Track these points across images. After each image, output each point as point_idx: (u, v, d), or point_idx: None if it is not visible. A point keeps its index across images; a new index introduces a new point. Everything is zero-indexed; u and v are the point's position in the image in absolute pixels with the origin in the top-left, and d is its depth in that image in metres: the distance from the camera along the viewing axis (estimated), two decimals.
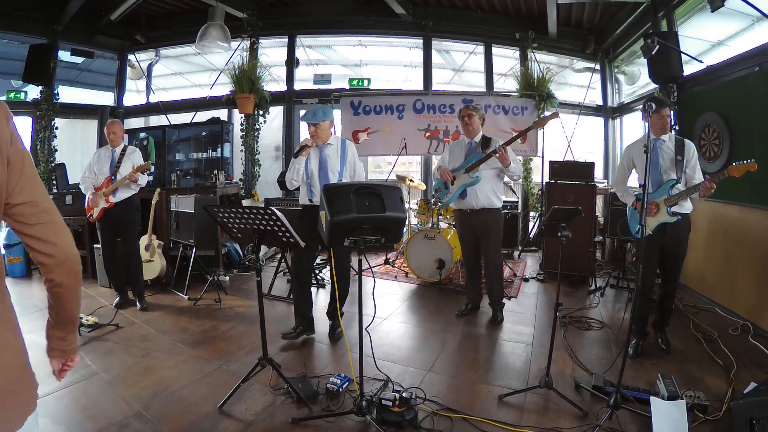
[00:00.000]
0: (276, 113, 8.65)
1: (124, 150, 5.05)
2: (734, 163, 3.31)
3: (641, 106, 7.37)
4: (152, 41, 8.91)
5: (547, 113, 7.95)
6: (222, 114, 8.46)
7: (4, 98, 7.43)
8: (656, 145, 3.73)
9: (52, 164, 7.51)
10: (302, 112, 4.18)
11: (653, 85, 6.63)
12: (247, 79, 7.81)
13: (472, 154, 4.61)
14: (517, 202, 8.28)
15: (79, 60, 8.21)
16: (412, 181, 7.10)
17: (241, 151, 8.26)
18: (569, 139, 8.23)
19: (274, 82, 8.47)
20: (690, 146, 3.71)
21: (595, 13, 8.00)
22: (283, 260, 6.13)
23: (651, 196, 3.69)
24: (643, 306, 3.87)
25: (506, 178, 4.75)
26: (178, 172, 7.86)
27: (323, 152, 4.12)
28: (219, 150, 7.81)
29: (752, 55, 4.83)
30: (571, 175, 6.31)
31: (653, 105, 3.37)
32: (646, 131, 3.42)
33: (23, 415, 1.12)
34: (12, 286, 5.69)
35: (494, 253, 4.72)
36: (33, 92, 7.52)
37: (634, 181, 4.18)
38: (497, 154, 4.30)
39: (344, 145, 4.22)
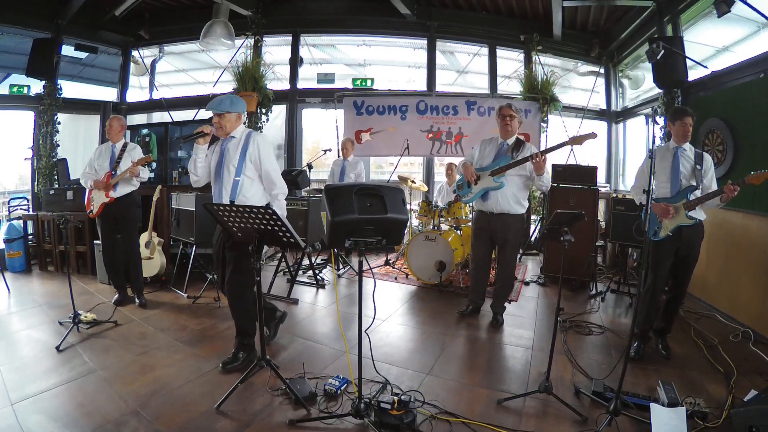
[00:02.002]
0: (279, 112, 8.64)
1: (124, 146, 5.03)
2: (752, 172, 3.33)
3: (645, 111, 7.41)
4: (156, 37, 8.89)
5: (551, 116, 7.97)
6: None
7: (7, 92, 7.44)
8: (677, 153, 3.80)
9: (54, 159, 7.51)
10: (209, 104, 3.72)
11: (657, 90, 6.62)
12: (250, 77, 7.81)
13: (501, 157, 4.53)
14: None
15: (82, 55, 8.22)
16: (414, 182, 7.09)
17: None
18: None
19: (277, 80, 8.47)
20: (708, 158, 3.80)
21: (600, 17, 7.99)
22: (282, 260, 6.12)
23: (669, 200, 3.74)
24: (651, 308, 3.87)
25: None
26: (180, 170, 7.84)
27: (224, 145, 3.69)
28: None
29: (757, 62, 4.83)
30: (574, 178, 6.29)
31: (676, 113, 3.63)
32: (650, 136, 3.41)
33: None
34: (12, 281, 5.74)
35: (509, 259, 4.68)
36: (36, 87, 7.51)
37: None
38: (534, 161, 4.24)
39: (248, 138, 3.66)
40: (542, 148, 7.79)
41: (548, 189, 4.75)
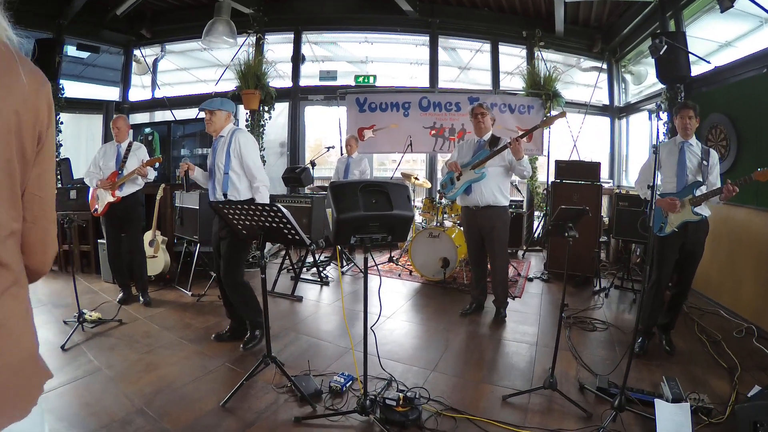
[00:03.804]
0: (281, 109, 8.64)
1: (129, 146, 5.04)
2: (759, 169, 3.32)
3: (648, 107, 7.38)
4: (158, 36, 8.91)
5: (554, 112, 7.96)
6: None
7: None
8: (684, 148, 3.79)
9: (57, 159, 7.52)
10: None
11: (660, 85, 6.59)
12: (252, 75, 7.79)
13: (480, 152, 4.60)
14: (522, 201, 8.24)
15: (84, 55, 8.22)
16: (417, 179, 7.08)
17: None
18: (575, 138, 8.19)
19: (279, 78, 8.46)
20: (714, 154, 3.79)
21: (602, 12, 7.96)
22: (287, 257, 6.12)
23: (675, 195, 3.74)
24: (656, 303, 3.87)
25: (514, 177, 4.74)
26: None
27: (215, 144, 3.99)
28: None
29: (760, 57, 4.82)
30: (577, 174, 6.27)
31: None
32: (654, 131, 3.39)
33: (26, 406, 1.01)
34: None
35: (499, 252, 4.69)
36: None
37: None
38: (510, 146, 4.30)
39: (232, 136, 3.91)
40: (545, 143, 7.83)
41: (529, 175, 4.79)
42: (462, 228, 5.02)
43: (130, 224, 5.10)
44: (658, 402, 2.80)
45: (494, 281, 4.79)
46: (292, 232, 2.97)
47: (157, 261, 5.72)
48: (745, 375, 3.47)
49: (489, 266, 4.94)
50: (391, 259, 7.12)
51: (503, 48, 8.73)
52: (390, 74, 9.33)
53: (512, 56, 8.89)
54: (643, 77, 8.20)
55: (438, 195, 6.31)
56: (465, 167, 4.64)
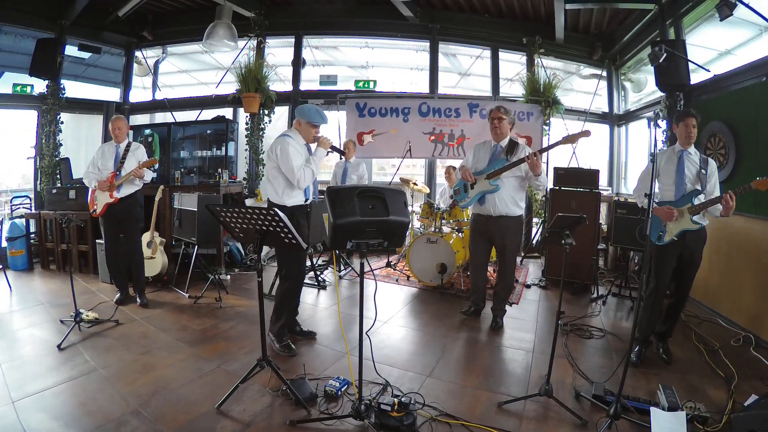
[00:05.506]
0: (281, 113, 8.64)
1: (128, 146, 5.04)
2: (758, 178, 3.33)
3: (648, 114, 7.39)
4: (159, 38, 8.94)
5: (553, 119, 7.97)
6: (227, 113, 8.47)
7: (10, 91, 7.45)
8: (683, 156, 3.79)
9: (57, 158, 7.53)
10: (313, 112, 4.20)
11: (660, 93, 6.61)
12: (253, 78, 7.82)
13: (496, 160, 4.51)
14: None
15: (86, 55, 8.24)
16: (416, 184, 7.09)
17: (246, 150, 8.28)
18: (574, 145, 8.19)
19: (279, 82, 8.48)
20: (712, 163, 3.79)
21: (602, 20, 7.99)
22: None
23: (674, 204, 3.74)
24: (654, 312, 3.87)
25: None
26: (182, 170, 7.86)
27: (308, 152, 4.24)
28: (223, 148, 7.82)
29: (759, 65, 4.83)
30: (576, 181, 6.27)
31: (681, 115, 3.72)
32: (653, 139, 3.38)
33: None
34: (14, 280, 5.76)
35: (509, 262, 4.65)
36: (39, 86, 7.53)
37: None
38: (529, 161, 4.21)
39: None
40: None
41: (545, 188, 4.69)
42: (470, 233, 4.94)
43: (128, 225, 5.09)
44: (653, 410, 2.80)
45: (497, 290, 4.77)
46: (289, 236, 2.97)
47: (155, 262, 5.72)
48: (742, 384, 3.47)
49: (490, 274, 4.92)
50: (389, 264, 7.12)
51: (503, 54, 8.75)
52: (390, 79, 9.33)
53: (512, 63, 8.90)
54: (643, 85, 8.22)
55: (451, 201, 6.28)
56: (479, 175, 4.56)
